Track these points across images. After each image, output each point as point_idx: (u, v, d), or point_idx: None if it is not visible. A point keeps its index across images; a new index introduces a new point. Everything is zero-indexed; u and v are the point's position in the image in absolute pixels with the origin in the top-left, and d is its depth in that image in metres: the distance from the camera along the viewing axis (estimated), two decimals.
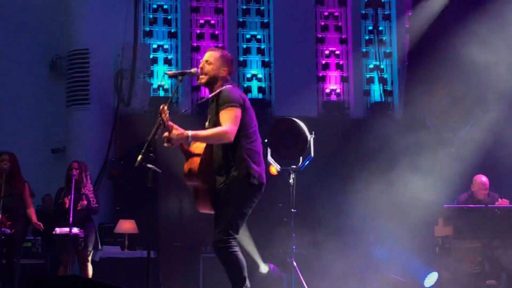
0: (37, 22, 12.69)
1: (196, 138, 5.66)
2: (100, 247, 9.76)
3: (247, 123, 5.80)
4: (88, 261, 9.46)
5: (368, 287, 9.99)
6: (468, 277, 9.12)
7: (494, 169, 10.49)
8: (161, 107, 5.50)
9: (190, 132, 5.58)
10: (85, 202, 9.29)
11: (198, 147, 5.83)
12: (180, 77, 5.97)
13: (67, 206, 9.19)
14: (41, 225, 9.35)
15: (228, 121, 5.63)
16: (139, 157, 5.64)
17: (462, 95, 10.47)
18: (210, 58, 5.94)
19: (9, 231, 8.96)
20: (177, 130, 5.54)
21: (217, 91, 5.83)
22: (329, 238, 10.89)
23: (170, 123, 5.52)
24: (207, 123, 5.94)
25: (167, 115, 5.51)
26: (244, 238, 10.58)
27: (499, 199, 9.75)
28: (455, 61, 10.67)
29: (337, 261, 10.32)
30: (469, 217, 9.24)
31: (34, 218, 9.34)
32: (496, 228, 9.13)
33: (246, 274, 5.70)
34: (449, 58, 10.78)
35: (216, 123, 5.73)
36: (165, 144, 5.58)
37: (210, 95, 5.89)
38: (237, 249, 5.67)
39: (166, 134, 5.55)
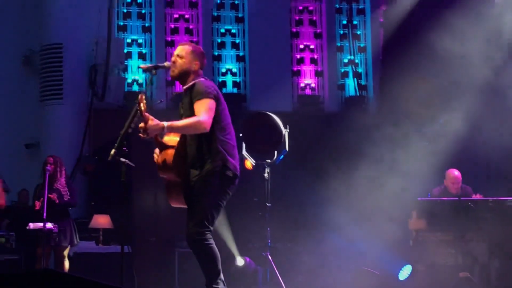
0: (10, 16, 12.61)
1: (172, 129, 5.64)
2: (76, 242, 9.69)
3: (221, 116, 5.80)
4: (64, 256, 9.42)
5: (342, 281, 10.03)
6: (442, 270, 9.18)
7: (469, 162, 10.57)
8: (139, 96, 5.47)
9: (165, 123, 5.57)
10: (51, 196, 9.22)
11: (172, 140, 5.82)
12: (153, 71, 5.95)
13: (37, 208, 9.15)
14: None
15: (203, 112, 5.64)
16: (112, 151, 5.63)
17: (437, 89, 10.52)
18: (181, 52, 5.93)
19: None
20: (152, 121, 5.53)
21: (190, 83, 5.82)
22: (304, 232, 10.94)
23: (146, 114, 5.51)
24: (181, 118, 5.92)
25: (145, 105, 5.49)
26: (224, 230, 10.60)
27: (473, 195, 9.82)
28: (429, 55, 10.72)
29: (311, 255, 10.36)
30: (442, 210, 9.29)
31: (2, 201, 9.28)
32: (469, 221, 9.19)
33: (220, 267, 5.70)
34: (424, 52, 10.82)
35: (190, 116, 5.73)
36: (140, 135, 5.56)
37: (184, 88, 5.88)
38: (212, 241, 5.66)
39: (142, 124, 5.53)
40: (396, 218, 10.08)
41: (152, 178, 9.20)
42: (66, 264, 9.44)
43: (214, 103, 5.71)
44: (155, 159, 5.85)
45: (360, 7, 14.31)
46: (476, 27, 10.41)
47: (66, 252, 9.46)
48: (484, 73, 10.35)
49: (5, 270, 9.84)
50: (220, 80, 13.60)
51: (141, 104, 5.44)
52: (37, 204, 9.17)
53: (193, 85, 5.80)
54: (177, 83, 6.20)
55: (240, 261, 10.38)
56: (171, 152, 5.77)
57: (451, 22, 10.52)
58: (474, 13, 10.51)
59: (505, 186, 10.01)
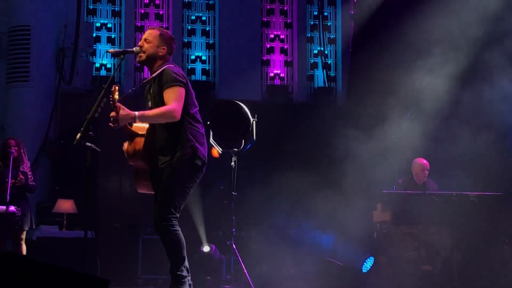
0: None
1: (143, 118, 5.64)
2: (34, 226, 9.61)
3: (190, 103, 5.81)
4: (22, 240, 9.33)
5: (306, 271, 10.08)
6: (405, 262, 9.26)
7: (436, 156, 10.64)
8: (113, 87, 5.44)
9: (137, 113, 5.55)
10: (22, 177, 9.15)
11: (141, 128, 5.82)
12: (122, 56, 5.91)
13: None
14: None
15: (173, 100, 5.63)
16: (78, 135, 5.59)
17: (405, 82, 10.57)
18: (149, 36, 5.90)
19: None
20: (124, 111, 5.50)
21: (159, 70, 5.79)
22: (269, 222, 10.96)
23: (118, 104, 5.48)
24: (149, 104, 5.90)
25: (118, 95, 5.46)
26: (195, 214, 10.60)
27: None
28: (399, 47, 10.76)
29: (276, 244, 10.39)
30: (406, 203, 9.37)
31: None
32: (433, 215, 9.27)
33: (185, 254, 5.73)
34: (393, 44, 10.87)
35: (159, 103, 5.72)
36: (111, 124, 5.53)
37: (152, 75, 5.84)
38: (177, 228, 5.71)
39: (113, 113, 5.49)
40: (361, 210, 10.14)
41: (117, 164, 9.15)
42: (24, 248, 9.35)
43: (184, 91, 5.70)
44: (124, 148, 5.83)
45: None
46: (447, 19, 10.45)
47: (23, 236, 9.37)
48: (453, 64, 10.40)
49: None
50: (189, 67, 13.54)
51: (115, 95, 5.42)
52: None
53: (162, 72, 5.77)
54: (146, 68, 6.16)
55: (206, 248, 10.39)
56: (140, 140, 5.78)
57: (421, 13, 10.56)
58: (445, 5, 10.54)
59: (469, 179, 10.08)
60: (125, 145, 5.87)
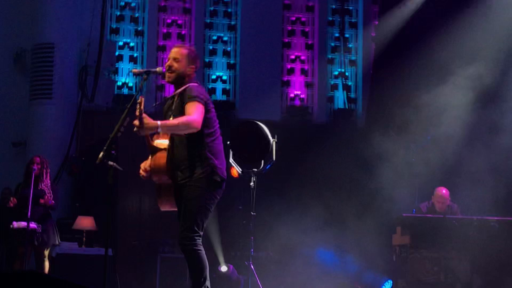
0: (2, 14, 12.57)
1: (165, 127, 5.66)
2: (58, 242, 9.63)
3: (210, 122, 5.85)
4: (45, 256, 9.37)
5: None
6: (424, 287, 9.20)
7: (456, 179, 10.57)
8: (139, 98, 5.50)
9: (159, 122, 5.60)
10: (48, 197, 9.22)
11: (162, 144, 5.86)
12: (145, 76, 5.96)
13: (11, 205, 9.10)
14: None
15: (194, 111, 5.67)
16: (101, 154, 5.62)
17: (426, 105, 10.54)
18: (178, 55, 5.94)
19: None
20: (147, 119, 5.55)
21: (183, 87, 5.84)
22: (287, 243, 10.93)
23: (143, 113, 5.54)
24: (170, 119, 5.94)
25: (143, 107, 5.52)
26: (213, 234, 10.60)
27: (458, 213, 9.85)
28: (421, 70, 10.75)
29: (294, 266, 10.36)
30: (426, 227, 9.32)
31: None
32: (453, 239, 9.22)
33: (207, 273, 5.75)
34: (415, 67, 10.86)
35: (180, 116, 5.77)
36: (135, 129, 5.58)
37: (176, 92, 5.88)
38: (201, 247, 5.73)
39: (136, 122, 5.53)
40: (380, 232, 10.10)
41: (138, 182, 9.17)
42: (47, 264, 9.39)
43: (203, 108, 5.75)
44: (145, 165, 5.87)
45: (352, 20, 14.35)
46: (471, 41, 10.42)
47: (46, 253, 9.42)
48: (474, 88, 10.35)
49: None
50: (210, 86, 13.60)
51: (141, 107, 5.48)
52: (13, 201, 9.11)
53: (184, 89, 5.82)
54: (167, 87, 6.23)
55: (224, 268, 10.39)
56: (163, 155, 5.82)
57: (443, 38, 10.56)
58: (468, 27, 10.53)
59: (491, 200, 10.02)
60: (146, 162, 5.91)
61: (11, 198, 9.26)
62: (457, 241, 9.20)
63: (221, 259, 10.57)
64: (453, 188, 10.19)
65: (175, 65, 5.91)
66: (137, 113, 5.49)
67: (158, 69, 5.99)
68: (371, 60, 13.73)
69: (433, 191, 10.11)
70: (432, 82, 10.57)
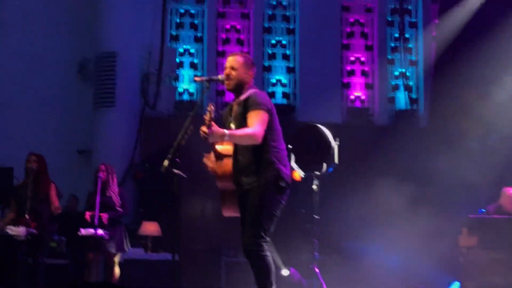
0: (66, 25, 12.83)
1: (232, 136, 5.72)
2: (127, 249, 9.67)
3: (274, 127, 5.91)
4: (114, 263, 9.45)
5: None
6: None
7: None
8: (209, 106, 5.59)
9: (226, 131, 5.65)
10: (121, 210, 9.34)
11: (226, 149, 5.92)
12: (207, 83, 6.05)
13: (87, 219, 9.18)
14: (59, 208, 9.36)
15: (256, 123, 5.72)
16: (165, 162, 5.69)
17: (489, 103, 10.40)
18: (234, 64, 6.00)
19: (35, 231, 9.03)
20: (215, 127, 5.61)
21: (246, 94, 5.89)
22: (351, 246, 10.89)
23: (212, 121, 5.60)
24: (231, 126, 5.99)
25: (213, 114, 5.58)
26: (277, 238, 10.60)
27: None
28: (482, 68, 10.60)
29: (358, 269, 10.31)
30: (495, 228, 9.18)
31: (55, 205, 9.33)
32: None
33: (273, 279, 5.75)
34: (476, 65, 10.71)
35: (242, 124, 5.82)
36: (202, 135, 5.63)
37: (239, 99, 5.93)
38: (268, 253, 5.76)
39: (204, 128, 5.59)
40: (446, 234, 9.98)
41: (201, 188, 9.26)
42: (117, 271, 9.48)
43: (267, 116, 5.78)
44: (210, 168, 5.91)
45: (412, 20, 14.22)
46: None
47: (116, 259, 9.51)
48: None
49: (53, 275, 9.96)
50: (270, 90, 13.64)
51: (212, 114, 5.54)
52: (88, 215, 9.22)
53: (248, 97, 5.87)
54: (227, 93, 6.28)
55: (285, 272, 10.38)
56: (228, 161, 5.89)
57: (506, 36, 10.40)
58: None
59: None
60: (209, 161, 5.95)
61: (86, 213, 9.29)
62: None
63: (281, 263, 10.56)
64: None
65: (233, 73, 5.98)
66: (207, 121, 5.55)
67: (220, 76, 6.07)
68: (432, 60, 13.59)
69: (498, 191, 9.95)
70: (494, 79, 10.41)
